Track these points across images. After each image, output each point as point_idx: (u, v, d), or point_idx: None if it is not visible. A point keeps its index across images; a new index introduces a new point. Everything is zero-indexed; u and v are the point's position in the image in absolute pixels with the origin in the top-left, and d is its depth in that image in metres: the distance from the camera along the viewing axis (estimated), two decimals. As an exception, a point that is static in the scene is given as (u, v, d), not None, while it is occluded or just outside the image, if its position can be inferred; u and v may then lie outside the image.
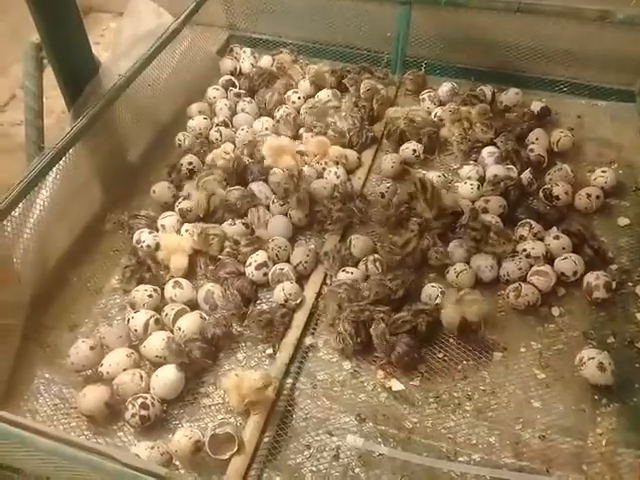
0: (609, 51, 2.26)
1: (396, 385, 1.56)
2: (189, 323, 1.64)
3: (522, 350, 1.63)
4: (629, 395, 1.52)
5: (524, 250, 1.79)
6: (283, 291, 1.70)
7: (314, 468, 1.44)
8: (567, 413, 1.50)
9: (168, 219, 1.91)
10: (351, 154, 2.12)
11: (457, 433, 1.48)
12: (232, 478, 1.40)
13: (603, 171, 2.00)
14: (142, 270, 1.76)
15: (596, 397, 1.52)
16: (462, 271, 1.72)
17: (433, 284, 1.71)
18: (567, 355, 1.61)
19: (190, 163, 2.08)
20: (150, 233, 1.86)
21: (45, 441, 1.14)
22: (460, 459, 1.44)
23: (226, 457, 1.41)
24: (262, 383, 1.47)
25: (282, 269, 1.77)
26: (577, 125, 2.25)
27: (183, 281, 1.75)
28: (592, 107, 2.33)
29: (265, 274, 1.79)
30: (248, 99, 2.35)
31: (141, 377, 1.54)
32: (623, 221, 1.92)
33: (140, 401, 1.48)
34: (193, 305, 1.73)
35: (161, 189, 2.02)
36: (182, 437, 1.41)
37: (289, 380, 1.58)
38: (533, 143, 2.12)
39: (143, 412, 1.47)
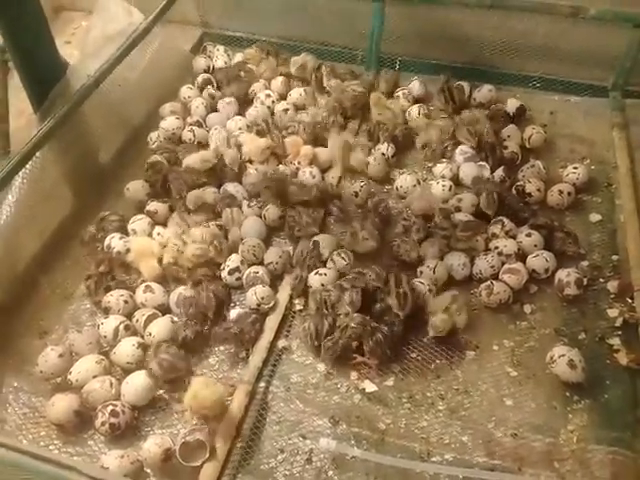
0: (582, 47, 2.27)
1: (370, 386, 1.56)
2: (160, 328, 1.63)
3: (495, 348, 1.64)
4: (600, 392, 1.53)
5: (496, 248, 1.80)
6: (255, 295, 1.69)
7: (287, 472, 1.43)
8: (539, 411, 1.51)
9: (139, 223, 1.89)
10: (324, 153, 2.10)
11: (430, 433, 1.48)
12: (204, 485, 1.39)
13: (575, 167, 2.01)
14: (107, 279, 1.73)
15: (567, 394, 1.53)
16: (436, 267, 1.72)
17: (420, 280, 1.71)
18: (539, 352, 1.61)
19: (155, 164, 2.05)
20: (121, 238, 1.84)
21: (9, 454, 1.12)
22: (433, 459, 1.44)
23: (198, 464, 1.40)
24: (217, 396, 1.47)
25: (257, 272, 1.76)
26: (550, 121, 2.25)
27: (154, 285, 1.73)
28: (565, 103, 2.33)
29: (238, 278, 1.78)
30: (228, 99, 2.32)
31: (111, 384, 1.52)
32: (595, 217, 1.93)
33: (110, 409, 1.46)
34: (165, 309, 1.71)
35: (135, 187, 2.00)
36: (152, 445, 1.40)
37: (262, 384, 1.58)
38: (506, 140, 2.13)
39: (113, 420, 1.45)
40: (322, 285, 1.72)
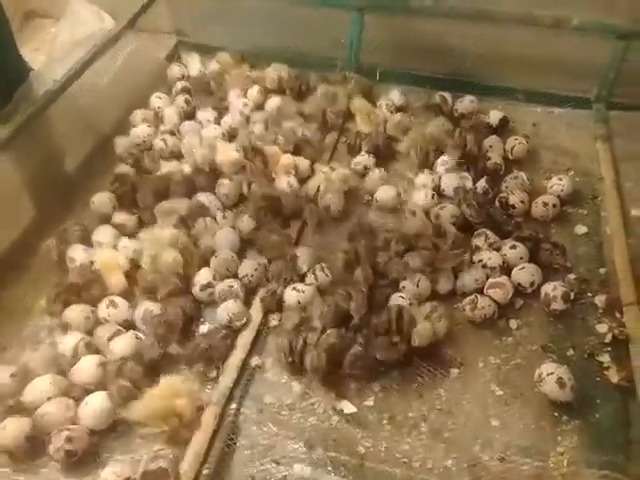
0: (565, 58, 2.23)
1: (348, 407, 1.46)
2: (123, 345, 1.52)
3: (480, 365, 1.55)
4: (590, 411, 1.45)
5: (480, 261, 1.72)
6: (227, 311, 1.59)
7: (259, 501, 1.32)
8: (527, 432, 1.42)
9: (104, 234, 1.78)
10: (303, 163, 2.02)
11: (412, 457, 1.39)
12: (167, 516, 1.27)
13: (560, 179, 1.96)
14: (71, 292, 1.62)
15: (556, 414, 1.45)
16: (419, 280, 1.64)
17: (401, 294, 1.62)
18: (526, 370, 1.53)
19: (123, 178, 1.95)
20: (84, 250, 1.73)
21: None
22: (416, 485, 1.34)
23: (161, 494, 1.29)
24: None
25: (230, 286, 1.66)
26: (533, 133, 2.21)
27: (118, 299, 1.62)
28: (548, 115, 2.29)
29: (211, 294, 1.68)
30: (203, 108, 2.24)
31: (68, 406, 1.40)
32: (581, 229, 1.87)
33: (65, 434, 1.34)
34: (129, 325, 1.60)
35: (101, 200, 1.89)
36: (110, 474, 1.28)
37: (233, 405, 1.47)
38: (488, 151, 2.07)
39: (69, 446, 1.34)
40: (298, 302, 1.62)
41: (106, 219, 1.85)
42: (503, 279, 1.66)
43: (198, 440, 1.38)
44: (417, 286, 1.65)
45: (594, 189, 2.00)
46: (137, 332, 1.58)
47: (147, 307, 1.61)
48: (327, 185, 1.94)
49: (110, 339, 1.55)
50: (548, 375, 1.44)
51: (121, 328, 1.58)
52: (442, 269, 1.69)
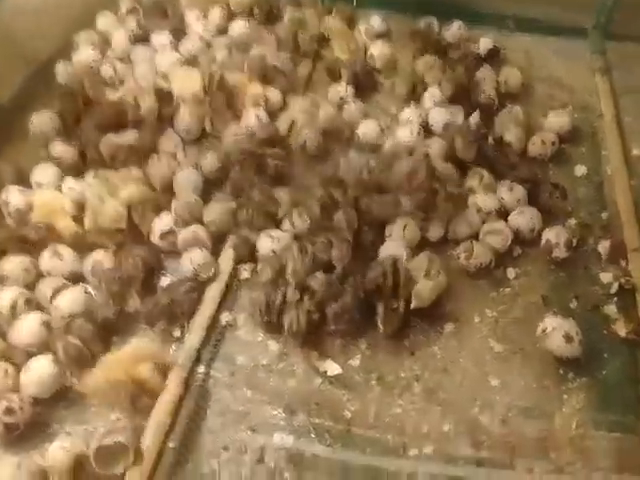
0: (558, -16, 2.04)
1: (332, 367, 1.30)
2: (70, 301, 1.31)
3: (476, 320, 1.40)
4: (597, 367, 1.33)
5: (475, 204, 1.55)
6: (191, 261, 1.38)
7: (233, 474, 1.16)
8: (529, 391, 1.29)
9: (44, 173, 1.53)
10: (274, 94, 1.79)
11: (405, 421, 1.24)
12: (128, 497, 1.10)
13: (558, 114, 1.78)
14: (7, 241, 1.39)
15: (561, 371, 1.32)
16: (407, 225, 1.46)
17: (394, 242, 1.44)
18: (525, 323, 1.39)
19: (70, 101, 1.68)
20: (21, 192, 1.48)
21: None
22: (409, 453, 1.20)
23: (119, 471, 1.11)
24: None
25: (195, 232, 1.45)
26: (526, 64, 2.01)
27: (63, 249, 1.39)
28: (542, 45, 2.09)
29: (173, 243, 1.47)
30: (158, 31, 1.96)
31: (6, 373, 1.20)
32: (580, 170, 1.72)
33: (4, 405, 1.14)
34: (77, 278, 1.39)
35: (41, 120, 1.63)
36: (58, 450, 1.09)
37: (201, 368, 1.29)
38: (480, 83, 1.87)
39: (8, 419, 1.14)
40: (273, 252, 1.43)
41: (46, 151, 1.60)
42: (501, 224, 1.50)
43: (162, 408, 1.20)
44: (404, 232, 1.47)
45: (593, 126, 1.84)
46: (87, 286, 1.36)
47: (98, 259, 1.39)
48: (302, 119, 1.72)
49: (55, 294, 1.33)
50: (553, 330, 1.30)
51: (67, 282, 1.36)
52: (434, 215, 1.51)
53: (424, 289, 1.32)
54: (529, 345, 1.36)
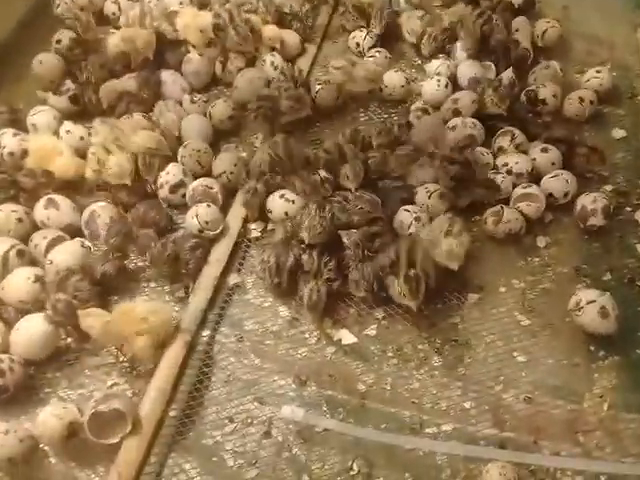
0: None
1: (347, 337, 1.21)
2: (66, 255, 1.21)
3: (502, 290, 1.30)
4: (631, 345, 1.23)
5: (505, 165, 1.44)
6: (197, 217, 1.28)
7: (238, 448, 1.08)
8: (558, 369, 1.20)
9: (42, 115, 1.42)
10: (291, 37, 1.65)
11: (423, 397, 1.15)
12: (124, 468, 1.02)
13: (598, 71, 1.64)
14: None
15: (592, 348, 1.22)
16: (435, 192, 1.35)
17: (407, 207, 1.33)
18: (556, 296, 1.29)
19: (73, 40, 1.56)
20: (15, 135, 1.37)
21: None
22: (427, 430, 1.12)
23: (115, 440, 1.04)
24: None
25: (205, 185, 1.34)
26: (563, 17, 1.85)
27: (59, 199, 1.29)
28: (580, -3, 1.94)
29: (184, 195, 1.36)
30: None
31: (-4, 331, 1.11)
32: (618, 133, 1.59)
33: (-7, 365, 1.06)
34: (74, 232, 1.29)
35: (49, 60, 1.52)
36: (50, 417, 1.01)
37: (206, 331, 1.20)
38: (514, 35, 1.73)
39: (-2, 380, 1.06)
40: (286, 214, 1.32)
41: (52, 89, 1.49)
42: (535, 189, 1.38)
43: (163, 374, 1.12)
44: (429, 197, 1.35)
45: (632, 86, 1.70)
46: (84, 240, 1.27)
47: (95, 209, 1.29)
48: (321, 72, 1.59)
49: (49, 248, 1.24)
50: (588, 304, 1.20)
51: (64, 234, 1.26)
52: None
53: (450, 252, 1.21)
54: (558, 319, 1.26)
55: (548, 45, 1.73)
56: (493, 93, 1.50)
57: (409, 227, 1.30)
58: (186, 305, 1.22)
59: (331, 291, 1.22)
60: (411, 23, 1.72)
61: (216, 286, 1.25)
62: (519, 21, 1.75)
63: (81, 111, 1.52)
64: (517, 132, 1.48)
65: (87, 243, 1.27)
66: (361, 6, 1.72)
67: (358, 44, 1.70)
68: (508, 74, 1.60)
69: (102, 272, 1.22)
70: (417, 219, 1.30)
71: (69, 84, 1.49)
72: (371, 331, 1.23)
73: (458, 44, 1.68)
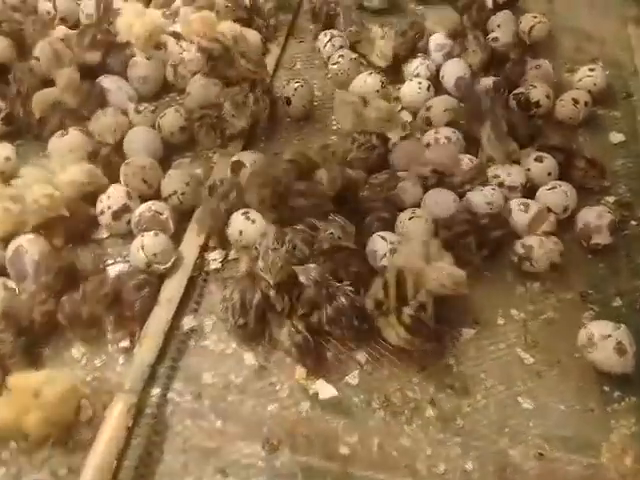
0: None
1: (324, 389, 1.02)
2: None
3: (500, 323, 1.14)
4: (649, 384, 1.08)
5: (496, 177, 1.27)
6: (143, 250, 1.08)
7: (197, 533, 0.89)
8: (569, 416, 1.03)
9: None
10: (252, 35, 1.46)
11: (417, 457, 0.98)
12: None
13: (591, 69, 1.49)
14: None
15: (605, 389, 1.06)
16: (412, 218, 1.17)
17: (381, 234, 1.15)
18: (561, 327, 1.13)
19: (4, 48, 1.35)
20: None
21: None
22: (423, 500, 0.94)
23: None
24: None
25: (156, 211, 1.15)
26: (548, 11, 1.71)
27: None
28: (565, -11, 1.79)
29: (129, 222, 1.17)
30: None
31: None
32: (616, 137, 1.44)
33: None
34: (-4, 272, 1.08)
35: None
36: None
37: (156, 389, 1.00)
38: (494, 31, 1.57)
39: None
40: (240, 233, 1.14)
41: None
42: (532, 203, 1.22)
43: (103, 448, 0.92)
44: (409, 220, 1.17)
45: (627, 85, 1.56)
46: (7, 280, 1.06)
47: (22, 244, 1.08)
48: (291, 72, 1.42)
49: (-34, 292, 1.03)
50: (603, 339, 1.04)
51: (-18, 275, 1.06)
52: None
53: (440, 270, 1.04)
54: (566, 355, 1.10)
55: (536, 41, 1.58)
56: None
57: (381, 259, 1.11)
58: (131, 357, 1.02)
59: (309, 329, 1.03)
60: (383, 45, 1.48)
61: (167, 332, 1.05)
62: (502, 15, 1.59)
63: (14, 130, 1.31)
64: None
65: (11, 284, 1.06)
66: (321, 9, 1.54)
67: (319, 49, 1.53)
68: (488, 80, 1.43)
69: (30, 320, 1.02)
70: (393, 250, 1.11)
71: (-3, 102, 1.27)
72: (352, 378, 1.04)
73: (432, 42, 1.52)
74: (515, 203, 1.22)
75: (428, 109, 1.38)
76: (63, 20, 1.49)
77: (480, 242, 1.14)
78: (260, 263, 1.05)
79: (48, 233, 1.12)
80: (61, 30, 1.41)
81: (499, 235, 1.16)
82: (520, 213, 1.21)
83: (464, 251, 1.13)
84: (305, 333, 1.02)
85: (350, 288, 1.04)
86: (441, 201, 1.19)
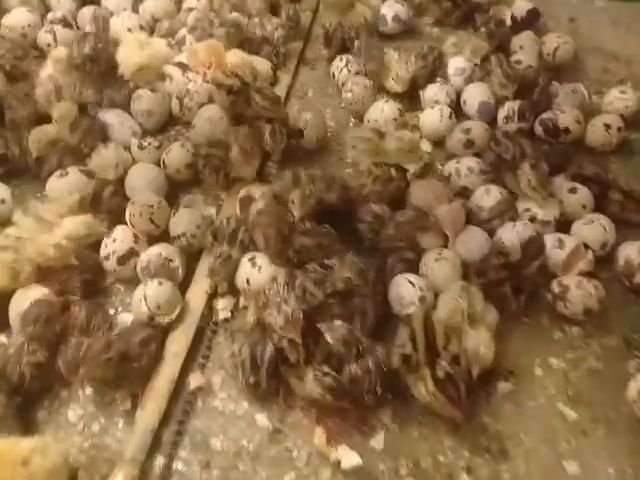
0: None
1: (347, 457, 0.91)
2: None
3: (538, 374, 1.03)
4: None
5: (527, 210, 1.18)
6: (145, 300, 0.99)
7: None
8: (621, 480, 0.93)
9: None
10: (262, 64, 1.39)
11: (452, 533, 0.87)
12: None
13: (622, 92, 1.40)
14: None
15: (659, 448, 0.96)
16: (439, 260, 1.07)
17: (407, 276, 1.05)
18: (605, 378, 1.03)
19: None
20: None
21: None
22: None
23: None
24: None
25: (166, 258, 1.06)
26: (571, 31, 1.62)
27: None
28: (588, 8, 1.72)
29: (135, 267, 1.08)
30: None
31: None
32: (651, 165, 1.35)
33: None
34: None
35: None
36: None
37: (160, 459, 0.90)
38: (517, 53, 1.48)
39: None
40: (247, 282, 1.05)
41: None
42: (567, 239, 1.12)
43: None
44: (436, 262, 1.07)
45: (659, 108, 1.46)
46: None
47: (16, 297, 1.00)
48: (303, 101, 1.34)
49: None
50: (656, 394, 0.94)
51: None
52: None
53: (483, 345, 0.94)
54: (613, 410, 0.99)
55: (561, 63, 1.49)
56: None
57: (409, 306, 1.02)
58: (133, 422, 0.93)
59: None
60: (399, 69, 1.40)
61: (173, 391, 0.96)
62: (525, 36, 1.50)
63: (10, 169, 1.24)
64: (535, 171, 1.22)
65: (2, 339, 0.98)
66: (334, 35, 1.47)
67: (334, 75, 1.45)
68: (512, 105, 1.34)
69: (19, 374, 0.93)
70: (422, 299, 1.02)
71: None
72: (377, 442, 0.94)
73: (452, 65, 1.43)
74: (549, 239, 1.13)
75: (467, 131, 1.28)
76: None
77: (516, 287, 1.04)
78: (274, 313, 0.95)
79: (51, 284, 1.03)
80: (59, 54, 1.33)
81: (536, 279, 1.06)
82: (555, 250, 1.12)
83: (500, 300, 1.02)
84: (334, 374, 0.92)
85: (382, 350, 0.94)
86: (471, 241, 1.09)
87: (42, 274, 1.04)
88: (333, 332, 0.93)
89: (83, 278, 1.05)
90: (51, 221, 1.05)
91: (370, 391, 0.92)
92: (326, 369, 0.92)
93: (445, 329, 0.93)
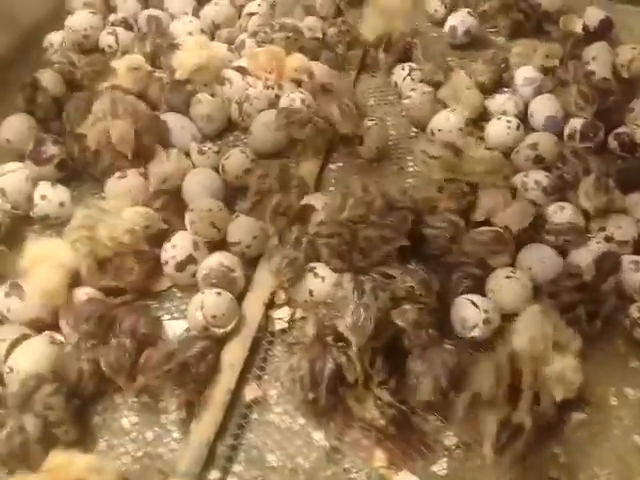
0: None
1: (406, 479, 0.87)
2: (31, 357, 0.92)
3: (613, 403, 0.97)
4: None
5: (602, 229, 1.11)
6: (202, 310, 0.96)
7: None
8: None
9: (12, 176, 1.13)
10: (321, 70, 1.36)
11: None
12: None
13: (703, 106, 1.32)
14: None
15: None
16: (509, 278, 1.02)
17: (471, 297, 1.00)
18: (685, 409, 0.95)
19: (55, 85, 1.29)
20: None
21: None
22: None
23: None
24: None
25: (228, 267, 1.03)
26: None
27: (25, 286, 0.99)
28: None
29: (195, 273, 1.06)
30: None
31: None
32: None
33: None
34: (43, 326, 0.98)
35: (13, 126, 1.23)
36: None
37: (215, 473, 0.87)
38: (590, 63, 1.42)
39: None
40: (310, 294, 1.02)
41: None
42: (647, 260, 1.05)
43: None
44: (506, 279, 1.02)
45: None
46: (54, 334, 0.96)
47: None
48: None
49: (12, 348, 0.94)
50: None
51: (28, 330, 0.96)
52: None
53: (563, 366, 0.88)
54: (695, 444, 0.92)
55: (635, 76, 1.42)
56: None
57: (472, 329, 0.97)
58: (187, 434, 0.90)
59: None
60: (470, 96, 1.32)
61: (228, 404, 0.93)
62: (597, 47, 1.44)
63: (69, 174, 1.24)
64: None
65: (59, 337, 0.96)
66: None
67: (396, 84, 1.41)
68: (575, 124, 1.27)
69: (78, 370, 0.92)
70: (487, 322, 0.97)
71: (50, 147, 1.19)
72: (440, 468, 0.89)
73: (520, 75, 1.38)
74: (626, 260, 1.06)
75: (534, 146, 1.22)
76: (123, 53, 1.42)
77: (591, 311, 0.97)
78: (348, 320, 0.91)
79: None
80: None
81: (613, 301, 0.99)
82: (631, 273, 1.05)
83: (573, 324, 0.96)
84: (398, 405, 0.88)
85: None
86: (543, 260, 1.03)
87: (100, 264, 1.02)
88: (402, 315, 0.92)
89: (138, 276, 1.04)
90: (111, 212, 1.04)
91: (438, 392, 0.89)
92: (388, 397, 0.87)
93: (530, 363, 0.87)
